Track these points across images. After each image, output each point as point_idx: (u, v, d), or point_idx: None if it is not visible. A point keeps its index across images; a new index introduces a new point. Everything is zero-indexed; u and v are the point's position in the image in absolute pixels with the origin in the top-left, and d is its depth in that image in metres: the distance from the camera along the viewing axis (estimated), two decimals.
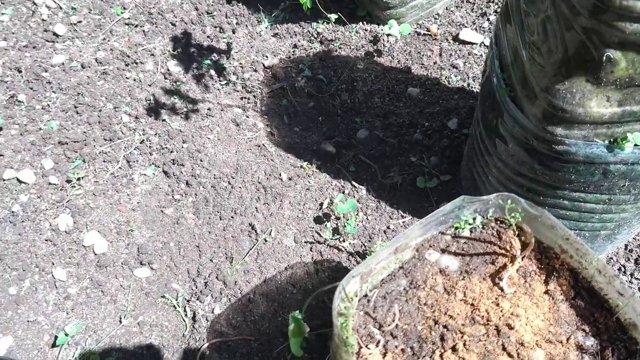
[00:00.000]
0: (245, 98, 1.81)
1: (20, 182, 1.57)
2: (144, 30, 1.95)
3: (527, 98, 1.13)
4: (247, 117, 1.76)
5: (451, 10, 2.01)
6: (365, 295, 0.97)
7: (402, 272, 1.00)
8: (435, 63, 1.87)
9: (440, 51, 1.91)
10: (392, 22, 1.88)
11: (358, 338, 0.90)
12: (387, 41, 1.91)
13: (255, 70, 1.86)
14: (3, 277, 1.43)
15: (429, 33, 1.95)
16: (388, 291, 0.98)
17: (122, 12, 1.98)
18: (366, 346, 0.91)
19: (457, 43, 1.92)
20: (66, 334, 1.34)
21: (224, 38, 1.95)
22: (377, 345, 0.92)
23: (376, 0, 1.89)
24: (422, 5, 1.94)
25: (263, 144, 1.69)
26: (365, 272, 0.93)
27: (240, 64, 1.87)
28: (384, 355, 0.92)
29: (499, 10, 1.96)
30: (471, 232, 1.02)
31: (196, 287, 1.44)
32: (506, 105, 1.17)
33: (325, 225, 1.53)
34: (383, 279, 0.99)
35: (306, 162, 1.66)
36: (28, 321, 1.38)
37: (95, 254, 1.46)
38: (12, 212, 1.51)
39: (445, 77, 1.83)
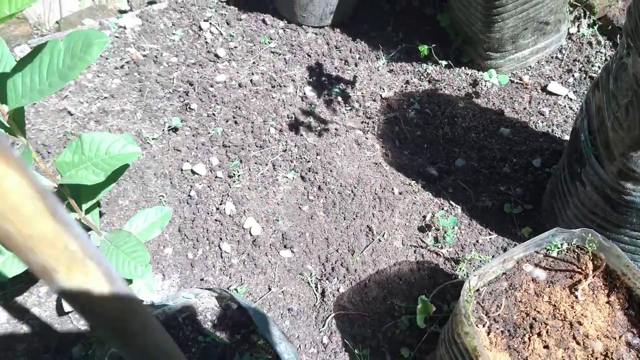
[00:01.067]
0: (365, 122, 2.23)
1: (194, 173, 2.04)
2: (285, 59, 2.39)
3: (608, 158, 1.50)
4: (367, 138, 2.18)
5: (542, 64, 2.38)
6: (478, 290, 1.37)
7: (505, 277, 1.40)
8: (524, 109, 2.25)
9: (529, 99, 2.28)
10: (492, 71, 2.27)
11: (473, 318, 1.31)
12: (485, 85, 2.30)
13: (374, 100, 2.28)
14: (182, 244, 1.89)
15: (521, 82, 2.33)
16: (494, 289, 1.38)
17: (269, 42, 2.43)
18: (476, 325, 1.31)
19: (544, 93, 2.29)
20: (236, 291, 1.79)
21: (348, 70, 2.38)
22: (484, 326, 1.32)
23: (480, 52, 2.28)
24: (517, 59, 2.31)
25: (379, 162, 2.11)
26: (482, 273, 1.33)
27: (362, 93, 2.30)
28: (488, 333, 1.32)
29: (583, 68, 2.32)
30: (558, 253, 1.41)
31: (325, 270, 1.87)
32: (590, 160, 1.55)
33: (427, 234, 1.94)
34: (491, 280, 1.39)
35: (413, 181, 2.07)
36: (200, 279, 1.84)
37: (252, 235, 1.91)
38: (190, 196, 1.98)
39: (533, 122, 2.21)
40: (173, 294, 1.48)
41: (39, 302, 1.79)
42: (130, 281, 1.59)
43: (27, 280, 1.81)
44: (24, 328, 1.74)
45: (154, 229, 1.53)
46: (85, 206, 1.37)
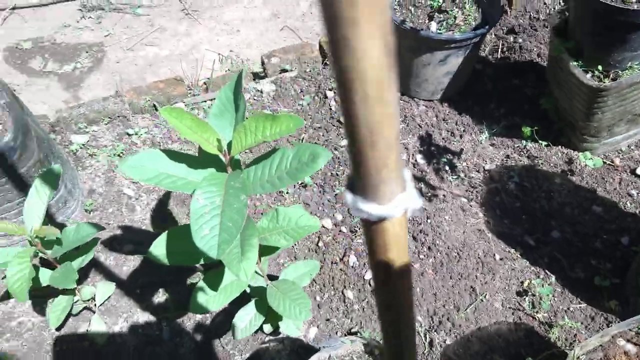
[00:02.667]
0: (469, 191, 2.53)
1: (322, 226, 2.39)
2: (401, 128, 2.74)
3: None
4: (471, 206, 2.48)
5: (632, 148, 2.62)
6: (578, 358, 1.64)
7: (601, 349, 1.66)
8: (615, 189, 2.49)
9: (619, 180, 2.52)
10: (587, 153, 2.54)
11: None
12: (580, 165, 2.56)
13: (478, 171, 2.59)
14: (311, 288, 2.24)
15: (612, 164, 2.58)
16: (591, 358, 1.64)
17: None
18: None
19: (633, 176, 2.53)
20: (360, 333, 2.11)
21: (454, 141, 2.69)
22: None
23: (577, 135, 2.55)
24: (610, 143, 2.57)
25: (482, 229, 2.40)
26: (584, 345, 1.60)
27: (467, 164, 2.60)
28: None
29: None
30: None
31: (433, 322, 2.17)
32: None
33: (524, 298, 2.21)
34: (589, 350, 1.66)
35: (512, 249, 2.34)
36: (326, 319, 2.17)
37: (371, 286, 2.24)
38: (318, 246, 2.33)
39: (622, 203, 2.45)
40: (334, 338, 1.82)
41: (194, 327, 2.17)
42: (280, 317, 1.94)
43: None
44: (182, 347, 2.12)
45: (304, 278, 1.88)
46: (263, 259, 1.73)
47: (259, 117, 1.26)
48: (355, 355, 1.67)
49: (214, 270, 1.65)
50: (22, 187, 2.09)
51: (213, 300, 1.61)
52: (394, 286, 0.66)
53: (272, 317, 1.92)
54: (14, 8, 3.69)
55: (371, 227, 0.57)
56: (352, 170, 0.52)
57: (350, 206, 0.55)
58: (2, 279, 2.22)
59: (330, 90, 2.89)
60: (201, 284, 1.62)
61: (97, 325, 2.01)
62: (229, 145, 1.34)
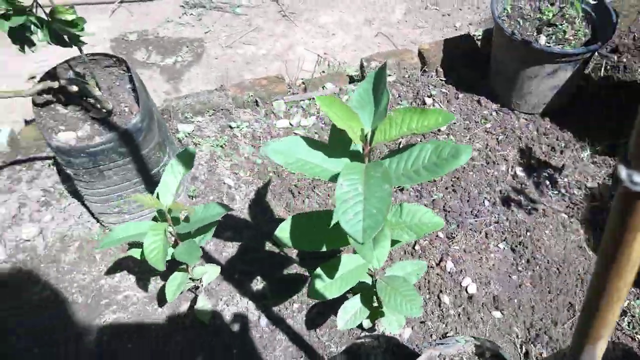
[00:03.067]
0: (570, 207, 2.49)
1: None
2: (497, 139, 2.72)
3: None
4: (572, 222, 2.43)
5: None
6: None
7: None
8: None
9: None
10: None
11: None
12: None
13: (579, 188, 2.54)
14: None
15: None
16: None
17: (484, 122, 2.78)
18: None
19: None
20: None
21: (554, 156, 2.65)
22: None
23: None
24: None
25: (583, 247, 2.35)
26: None
27: (568, 180, 2.56)
28: None
29: None
30: None
31: (529, 335, 2.14)
32: None
33: (623, 319, 2.15)
34: None
35: None
36: (420, 322, 2.18)
37: (467, 292, 2.23)
38: (414, 249, 2.34)
39: None
40: (447, 338, 1.83)
41: (292, 315, 2.22)
42: (381, 314, 1.96)
43: (285, 295, 2.25)
44: (279, 334, 2.18)
45: (411, 277, 1.90)
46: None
47: (407, 109, 1.29)
48: (465, 356, 1.67)
49: (332, 260, 1.69)
50: (141, 167, 2.20)
51: (329, 288, 1.64)
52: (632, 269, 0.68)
53: (373, 313, 1.94)
54: (122, 2, 3.88)
55: (637, 202, 0.59)
56: (631, 145, 0.54)
57: (624, 180, 0.57)
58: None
59: (429, 97, 2.91)
60: (318, 271, 1.66)
61: (202, 304, 2.08)
62: (370, 135, 1.38)
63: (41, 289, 2.37)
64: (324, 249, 1.61)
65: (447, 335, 2.15)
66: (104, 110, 2.12)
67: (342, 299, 2.11)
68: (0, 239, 2.53)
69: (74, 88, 2.15)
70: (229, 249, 2.43)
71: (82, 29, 1.70)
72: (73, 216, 2.61)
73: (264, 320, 2.21)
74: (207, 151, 2.75)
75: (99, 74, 2.21)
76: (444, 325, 2.17)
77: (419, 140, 2.76)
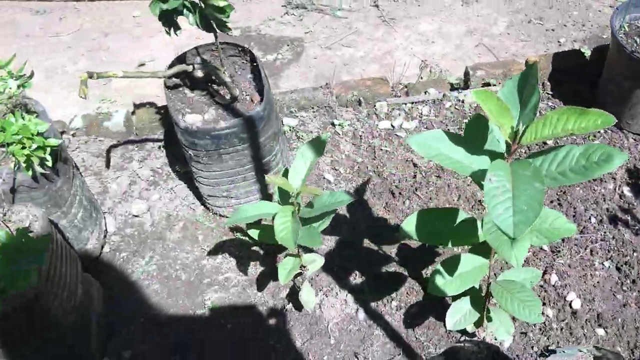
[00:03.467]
0: None
1: None
2: None
3: None
4: None
5: None
6: None
7: None
8: None
9: None
10: None
11: None
12: None
13: None
14: None
15: None
16: None
17: (592, 139, 2.72)
18: None
19: None
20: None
21: None
22: None
23: None
24: None
25: None
26: None
27: None
28: None
29: None
30: None
31: (633, 355, 2.08)
32: None
33: None
34: None
35: None
36: (520, 333, 2.16)
37: (571, 308, 2.19)
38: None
39: None
40: (568, 346, 1.82)
41: (390, 312, 2.24)
42: (489, 319, 1.95)
43: (383, 292, 2.28)
44: (377, 330, 2.20)
45: (525, 284, 1.88)
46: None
47: (565, 109, 1.30)
48: None
49: (452, 258, 1.70)
50: (256, 154, 2.28)
51: (449, 285, 1.66)
52: None
53: (479, 317, 1.94)
54: None
55: None
56: None
57: None
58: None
59: None
60: (439, 267, 1.68)
61: (307, 291, 2.13)
62: (520, 134, 1.39)
63: (147, 263, 2.49)
64: (450, 245, 1.63)
65: (549, 348, 2.11)
66: (228, 97, 2.22)
67: (442, 302, 2.12)
68: (111, 212, 2.68)
69: (199, 74, 2.26)
70: (327, 242, 2.47)
71: (228, 16, 1.79)
72: (179, 197, 2.72)
73: (361, 314, 2.24)
74: None
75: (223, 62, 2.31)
76: (545, 338, 2.14)
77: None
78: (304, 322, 2.24)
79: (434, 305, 2.23)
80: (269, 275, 2.40)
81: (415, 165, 2.70)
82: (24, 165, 1.94)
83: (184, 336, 2.23)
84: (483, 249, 1.71)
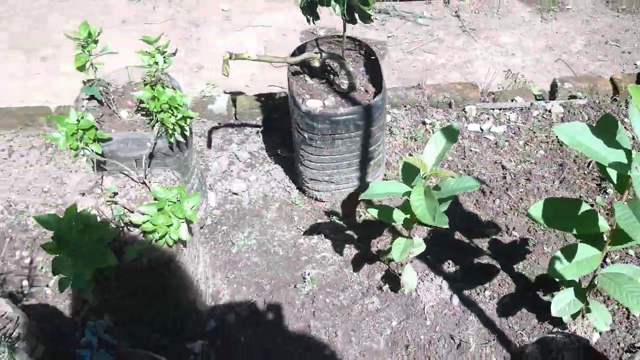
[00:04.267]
0: None
1: None
2: None
3: None
4: None
5: None
6: None
7: None
8: None
9: None
10: None
11: None
12: None
13: None
14: None
15: None
16: None
17: None
18: None
19: None
20: None
21: None
22: None
23: None
24: None
25: None
26: None
27: None
28: None
29: None
30: None
31: None
32: None
33: None
34: None
35: None
36: None
37: None
38: None
39: None
40: None
41: (483, 301, 2.36)
42: (588, 310, 2.07)
43: (476, 282, 2.40)
44: (470, 316, 2.32)
45: None
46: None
47: None
48: None
49: (571, 246, 1.83)
50: (365, 142, 2.43)
51: (567, 270, 1.79)
52: None
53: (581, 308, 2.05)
54: None
55: None
56: None
57: None
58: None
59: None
60: (558, 254, 1.81)
61: (409, 274, 2.27)
62: None
63: (246, 237, 2.64)
64: (574, 232, 1.76)
65: (635, 345, 2.22)
66: (344, 86, 2.38)
67: (534, 295, 2.24)
68: (212, 189, 2.85)
69: (317, 63, 2.42)
70: (420, 232, 2.61)
71: (370, 8, 1.95)
72: (275, 180, 2.88)
73: (456, 300, 2.36)
74: (401, 141, 2.96)
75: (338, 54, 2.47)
76: (631, 337, 2.24)
77: None
78: (399, 303, 2.38)
79: (525, 298, 2.35)
80: (364, 257, 2.55)
81: (504, 167, 2.83)
82: (170, 132, 2.12)
83: (286, 306, 2.38)
84: (598, 242, 1.83)
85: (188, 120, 2.16)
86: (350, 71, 2.30)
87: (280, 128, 3.06)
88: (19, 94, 3.43)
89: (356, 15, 2.01)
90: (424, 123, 3.03)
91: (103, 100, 2.31)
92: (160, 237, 1.84)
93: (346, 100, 2.33)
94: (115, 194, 2.09)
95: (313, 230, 2.67)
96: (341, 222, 2.68)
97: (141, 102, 2.30)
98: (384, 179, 2.78)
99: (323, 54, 2.34)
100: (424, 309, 2.34)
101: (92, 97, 2.33)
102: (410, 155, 2.81)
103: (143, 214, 1.88)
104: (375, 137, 2.43)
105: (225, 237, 2.65)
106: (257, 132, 3.08)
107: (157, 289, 2.03)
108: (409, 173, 1.97)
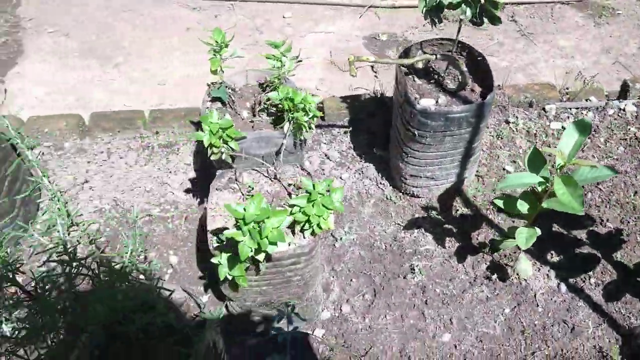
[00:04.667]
0: None
1: None
2: None
3: None
4: None
5: None
6: None
7: None
8: None
9: None
10: None
11: None
12: None
13: None
14: None
15: None
16: None
17: None
18: None
19: None
20: None
21: None
22: None
23: None
24: None
25: None
26: None
27: None
28: None
29: None
30: None
31: None
32: None
33: None
34: None
35: None
36: None
37: None
38: None
39: None
40: None
41: (589, 288, 2.49)
42: None
43: (580, 270, 2.53)
44: (579, 302, 2.45)
45: None
46: None
47: None
48: None
49: None
50: (471, 139, 2.56)
51: None
52: None
53: None
54: (371, 6, 4.36)
55: None
56: None
57: None
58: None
59: None
60: None
61: (524, 262, 2.40)
62: None
63: (347, 232, 2.76)
64: None
65: None
66: (451, 85, 2.51)
67: (636, 282, 2.36)
68: None
69: (420, 65, 2.55)
70: (517, 224, 2.73)
71: (499, 10, 2.09)
72: (367, 177, 3.00)
73: (563, 288, 2.49)
74: (486, 140, 3.09)
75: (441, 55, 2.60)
76: None
77: None
78: (509, 292, 2.50)
79: (628, 284, 2.48)
80: (466, 249, 2.67)
81: None
82: (301, 130, 2.24)
83: (398, 296, 2.50)
84: None
85: (315, 119, 2.28)
86: (463, 71, 2.43)
87: (367, 128, 3.19)
88: (102, 99, 3.54)
89: (485, 19, 2.14)
90: (507, 122, 3.16)
91: (226, 102, 2.43)
92: (309, 226, 1.96)
93: (456, 98, 2.45)
94: (252, 188, 2.20)
95: (412, 224, 2.78)
96: (439, 217, 2.80)
97: (259, 103, 2.43)
98: (476, 175, 2.91)
99: (438, 55, 2.47)
100: (534, 296, 2.46)
101: (214, 99, 2.45)
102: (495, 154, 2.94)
103: (292, 205, 2.00)
104: (479, 133, 2.56)
105: (327, 232, 2.76)
106: (345, 132, 3.20)
107: (296, 275, 2.15)
108: (535, 164, 2.09)
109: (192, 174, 3.02)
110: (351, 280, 2.59)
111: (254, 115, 2.44)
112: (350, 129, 3.19)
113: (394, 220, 2.82)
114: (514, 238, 2.32)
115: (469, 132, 2.49)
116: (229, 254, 1.96)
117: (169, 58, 3.94)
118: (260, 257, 1.81)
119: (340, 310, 2.50)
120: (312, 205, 1.95)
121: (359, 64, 3.42)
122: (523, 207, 2.19)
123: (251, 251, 1.75)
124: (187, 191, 2.96)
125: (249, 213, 1.70)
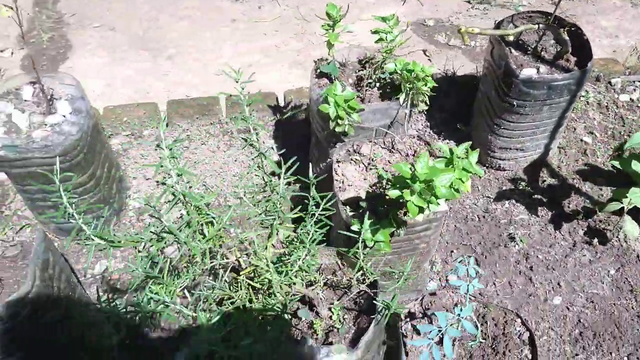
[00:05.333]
0: None
1: None
2: None
3: None
4: None
5: None
6: None
7: None
8: None
9: None
10: None
11: None
12: None
13: None
14: None
15: None
16: None
17: None
18: None
19: None
20: None
21: None
22: None
23: None
24: None
25: None
26: None
27: None
28: None
29: None
30: None
31: None
32: None
33: None
34: None
35: None
36: None
37: None
38: None
39: None
40: None
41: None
42: None
43: None
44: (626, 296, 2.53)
45: None
46: None
47: None
48: None
49: None
50: (566, 108, 2.63)
51: None
52: None
53: None
54: None
55: None
56: None
57: None
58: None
59: None
60: None
61: (630, 224, 2.47)
62: None
63: None
64: None
65: None
66: (548, 56, 2.57)
67: None
68: None
69: (511, 38, 2.61)
70: (605, 189, 2.81)
71: None
72: None
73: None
74: None
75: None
76: None
77: None
78: (610, 254, 2.57)
79: None
80: (561, 217, 2.73)
81: None
82: (418, 100, 2.28)
83: (502, 264, 2.55)
84: None
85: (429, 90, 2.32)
86: (566, 40, 2.50)
87: (440, 107, 3.24)
88: (161, 89, 3.53)
89: None
90: (581, 96, 3.24)
91: (334, 77, 2.45)
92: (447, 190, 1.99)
93: (555, 67, 2.52)
94: (374, 160, 2.23)
95: (501, 196, 2.84)
96: (528, 188, 2.86)
97: (366, 77, 2.46)
98: (557, 147, 2.98)
99: (540, 25, 2.54)
100: (638, 256, 2.54)
101: (320, 75, 2.47)
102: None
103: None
104: (573, 103, 2.63)
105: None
106: (420, 111, 3.24)
107: (422, 243, 2.18)
108: None
109: (275, 157, 3.03)
110: (452, 251, 2.63)
111: (358, 90, 2.47)
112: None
113: (481, 194, 2.87)
114: (618, 201, 2.39)
115: (566, 100, 2.55)
116: (370, 220, 1.98)
117: (220, 49, 3.94)
118: (420, 216, 1.83)
119: (447, 280, 2.53)
120: (453, 170, 1.98)
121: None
122: (637, 166, 2.26)
123: (418, 210, 1.78)
124: (272, 174, 2.96)
125: (419, 172, 1.73)
